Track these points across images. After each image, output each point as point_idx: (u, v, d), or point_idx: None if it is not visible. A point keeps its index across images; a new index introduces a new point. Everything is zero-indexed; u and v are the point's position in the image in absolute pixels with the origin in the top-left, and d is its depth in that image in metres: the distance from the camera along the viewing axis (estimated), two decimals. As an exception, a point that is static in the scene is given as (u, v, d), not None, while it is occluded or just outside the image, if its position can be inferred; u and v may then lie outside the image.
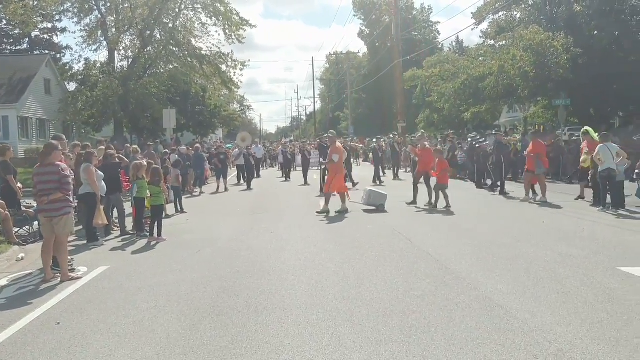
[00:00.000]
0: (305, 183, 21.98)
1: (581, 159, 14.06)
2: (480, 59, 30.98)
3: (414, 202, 14.22)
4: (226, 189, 20.63)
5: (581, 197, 14.08)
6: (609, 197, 12.47)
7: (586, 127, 14.79)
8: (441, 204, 13.33)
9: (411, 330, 4.91)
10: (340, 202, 13.29)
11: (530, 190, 14.67)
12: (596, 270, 6.86)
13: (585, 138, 14.31)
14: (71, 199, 7.78)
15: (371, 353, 4.44)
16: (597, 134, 13.62)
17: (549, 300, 5.68)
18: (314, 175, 23.49)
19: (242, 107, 58.51)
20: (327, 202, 13.30)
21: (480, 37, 36.24)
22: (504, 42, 29.07)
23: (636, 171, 13.56)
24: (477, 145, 20.18)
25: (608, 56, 24.74)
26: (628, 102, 26.32)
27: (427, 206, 13.69)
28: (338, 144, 14.20)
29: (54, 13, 34.10)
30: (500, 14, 32.35)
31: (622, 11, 25.51)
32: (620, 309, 5.33)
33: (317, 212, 13.10)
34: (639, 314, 5.17)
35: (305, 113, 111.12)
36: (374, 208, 13.48)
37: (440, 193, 13.45)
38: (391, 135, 29.33)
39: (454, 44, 59.20)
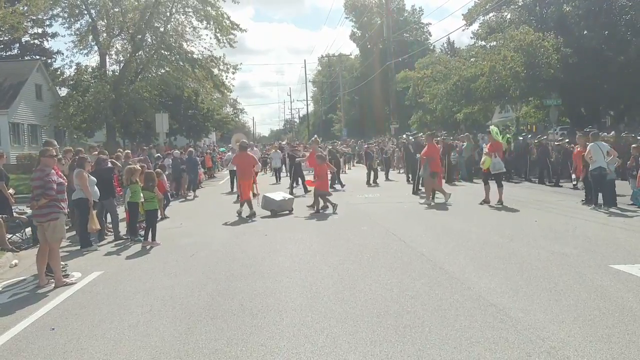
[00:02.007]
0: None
1: (481, 160, 14.45)
2: (472, 59, 31.11)
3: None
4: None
5: (500, 201, 13.58)
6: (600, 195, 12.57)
7: (491, 127, 15.03)
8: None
9: (405, 330, 4.94)
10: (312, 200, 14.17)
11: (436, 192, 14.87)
12: (588, 268, 6.92)
13: (489, 138, 14.66)
14: (60, 205, 7.74)
15: (366, 353, 4.46)
16: (587, 132, 13.85)
17: (541, 298, 5.72)
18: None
19: (235, 111, 58.37)
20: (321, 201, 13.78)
21: (471, 38, 36.43)
22: (494, 42, 29.23)
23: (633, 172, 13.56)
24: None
25: (598, 56, 24.91)
26: (618, 101, 26.52)
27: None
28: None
29: (44, 18, 33.95)
30: (491, 14, 32.53)
31: (611, 11, 25.71)
32: (612, 306, 5.38)
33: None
34: (630, 310, 5.22)
35: (299, 115, 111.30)
36: (373, 208, 13.59)
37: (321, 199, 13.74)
38: (404, 135, 28.12)
39: (445, 45, 59.55)
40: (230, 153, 23.29)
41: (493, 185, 13.93)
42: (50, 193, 7.56)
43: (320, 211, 13.63)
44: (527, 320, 5.04)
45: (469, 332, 4.80)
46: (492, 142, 14.38)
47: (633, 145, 13.83)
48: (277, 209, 13.63)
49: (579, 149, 14.02)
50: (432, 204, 14.18)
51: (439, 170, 15.12)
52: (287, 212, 13.78)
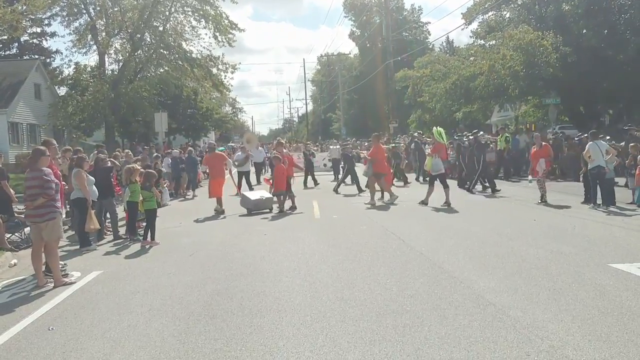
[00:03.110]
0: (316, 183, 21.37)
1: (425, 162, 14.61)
2: (471, 58, 31.10)
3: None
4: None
5: (447, 202, 13.63)
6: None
7: (434, 128, 15.13)
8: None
9: (405, 329, 4.94)
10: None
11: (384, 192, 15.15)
12: (587, 267, 6.93)
13: (432, 139, 14.79)
14: (57, 204, 7.73)
15: (365, 353, 4.47)
16: (587, 133, 13.89)
17: (540, 297, 5.73)
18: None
19: (234, 110, 58.40)
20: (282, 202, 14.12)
21: (470, 37, 36.42)
22: (493, 41, 29.23)
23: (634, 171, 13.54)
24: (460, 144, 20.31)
25: (597, 54, 24.92)
26: (617, 100, 26.54)
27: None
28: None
29: (43, 17, 33.92)
30: (490, 13, 32.53)
31: (610, 10, 25.72)
32: (611, 305, 5.38)
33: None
34: (629, 309, 5.23)
35: (298, 115, 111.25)
36: (368, 207, 13.81)
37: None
38: (415, 134, 27.03)
39: (444, 44, 59.58)
40: (240, 152, 21.84)
41: (463, 186, 14.04)
42: (50, 193, 7.55)
43: (288, 211, 13.86)
44: (526, 319, 5.04)
45: (468, 331, 4.80)
46: (436, 143, 14.68)
47: (631, 144, 13.84)
48: (253, 208, 14.02)
49: (535, 148, 14.16)
50: (375, 204, 14.49)
51: (385, 171, 15.16)
52: (267, 210, 14.04)
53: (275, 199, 14.38)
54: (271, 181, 14.64)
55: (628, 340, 4.45)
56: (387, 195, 15.15)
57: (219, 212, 14.15)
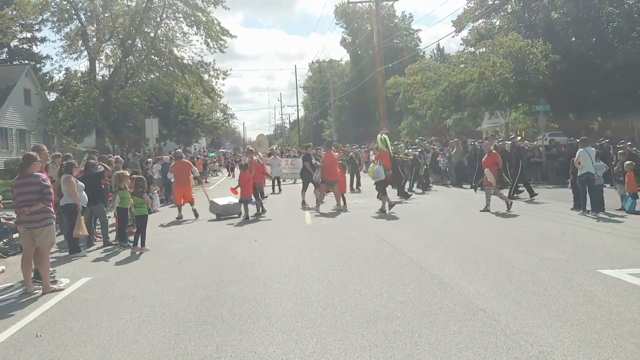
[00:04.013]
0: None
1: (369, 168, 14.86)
2: (461, 66, 31.29)
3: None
4: None
5: (382, 209, 14.03)
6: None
7: (378, 136, 15.27)
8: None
9: (395, 335, 4.94)
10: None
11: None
12: (577, 273, 6.96)
13: (378, 147, 15.06)
14: (52, 210, 7.71)
15: (356, 359, 4.46)
16: (576, 138, 13.97)
17: (530, 303, 5.75)
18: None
19: (225, 116, 58.28)
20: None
21: (461, 44, 36.67)
22: (484, 49, 29.39)
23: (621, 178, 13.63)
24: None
25: (586, 62, 25.12)
26: (606, 107, 26.72)
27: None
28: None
29: (34, 23, 33.80)
30: (480, 21, 32.77)
31: (599, 18, 25.96)
32: (600, 310, 5.41)
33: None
34: (618, 315, 5.26)
35: (289, 121, 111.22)
36: (363, 213, 13.81)
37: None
38: (419, 140, 26.72)
39: (435, 51, 59.77)
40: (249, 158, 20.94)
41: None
42: (50, 198, 7.55)
43: (253, 217, 14.09)
44: (516, 325, 5.06)
45: (458, 337, 4.81)
46: (380, 150, 14.89)
47: (620, 151, 13.96)
48: (222, 213, 14.55)
49: (486, 156, 14.27)
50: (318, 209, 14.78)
51: (335, 178, 15.23)
52: (236, 215, 14.42)
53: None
54: (238, 190, 14.90)
55: (617, 346, 4.48)
56: (342, 202, 15.29)
57: (179, 218, 14.56)
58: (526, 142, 17.99)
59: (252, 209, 14.50)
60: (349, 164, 22.25)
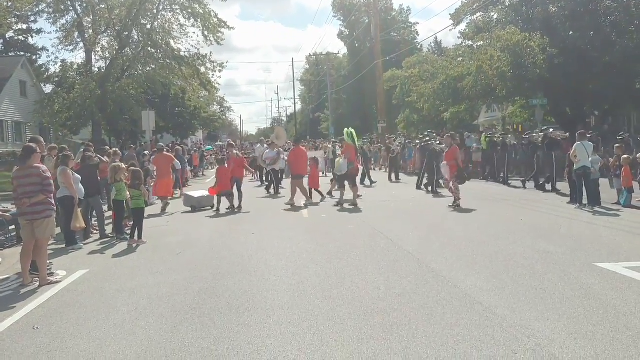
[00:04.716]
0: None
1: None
2: (459, 59, 31.20)
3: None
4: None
5: (353, 203, 14.13)
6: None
7: (345, 129, 15.39)
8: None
9: (392, 328, 4.95)
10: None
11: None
12: (573, 266, 6.98)
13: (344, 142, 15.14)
14: (53, 202, 7.70)
15: (353, 351, 4.47)
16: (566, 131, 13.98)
17: (527, 296, 5.77)
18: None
19: (222, 109, 57.99)
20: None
21: (459, 37, 36.53)
22: (481, 42, 29.33)
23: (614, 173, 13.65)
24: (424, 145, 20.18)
25: (583, 56, 25.09)
26: (603, 101, 26.73)
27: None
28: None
29: (29, 14, 33.55)
30: (478, 14, 32.63)
31: (596, 12, 25.90)
32: (597, 303, 5.43)
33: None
34: (614, 308, 5.28)
35: (286, 114, 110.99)
36: (352, 207, 13.84)
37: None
38: (426, 133, 25.57)
39: (432, 44, 59.67)
40: (268, 150, 19.52)
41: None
42: (51, 190, 7.55)
43: (234, 209, 14.28)
44: (513, 318, 5.07)
45: (455, 330, 4.82)
46: (345, 144, 15.09)
47: (616, 145, 13.98)
48: (197, 205, 14.93)
49: (447, 150, 14.30)
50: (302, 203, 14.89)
51: (303, 173, 15.49)
52: (209, 207, 14.79)
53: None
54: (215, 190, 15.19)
55: (613, 339, 4.50)
56: (308, 197, 15.46)
57: (164, 210, 14.76)
58: (559, 133, 17.39)
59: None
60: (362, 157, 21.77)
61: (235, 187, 14.72)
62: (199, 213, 14.26)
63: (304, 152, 15.88)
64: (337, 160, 15.27)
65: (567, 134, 18.95)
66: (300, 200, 15.06)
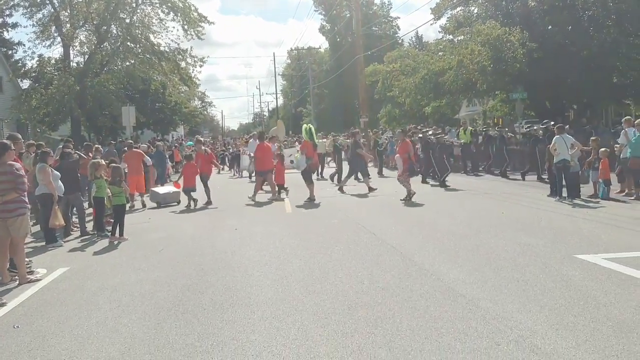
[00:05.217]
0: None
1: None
2: (440, 54, 31.36)
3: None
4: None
5: (310, 198, 14.26)
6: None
7: (304, 125, 15.72)
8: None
9: (377, 321, 4.97)
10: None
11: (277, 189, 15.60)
12: (554, 258, 7.07)
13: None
14: (26, 199, 7.57)
15: (337, 345, 4.48)
16: (554, 125, 14.13)
17: (509, 288, 5.83)
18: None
19: (204, 104, 57.58)
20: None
21: (439, 32, 36.69)
22: (462, 37, 29.51)
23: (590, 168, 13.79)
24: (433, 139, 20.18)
25: (562, 50, 25.36)
26: (581, 95, 27.05)
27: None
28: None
29: (4, 7, 32.91)
30: (458, 9, 32.78)
31: (574, 6, 26.19)
32: (577, 294, 5.51)
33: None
34: (595, 299, 5.35)
35: (268, 109, 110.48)
36: (344, 201, 13.96)
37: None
38: (432, 129, 24.71)
39: (413, 39, 59.87)
40: (294, 155, 18.89)
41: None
42: (24, 188, 7.43)
43: (202, 206, 14.39)
44: (496, 310, 5.12)
45: (439, 323, 4.86)
46: (304, 141, 15.33)
47: (592, 138, 14.16)
48: (162, 201, 15.17)
49: (399, 144, 14.56)
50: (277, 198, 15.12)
51: (268, 168, 15.55)
52: (175, 203, 15.10)
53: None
54: (180, 183, 15.51)
55: (594, 329, 4.56)
56: (277, 192, 15.56)
57: (131, 207, 14.62)
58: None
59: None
60: (335, 154, 21.70)
61: (202, 184, 14.94)
62: (180, 210, 14.15)
63: (269, 147, 15.97)
64: (295, 156, 15.42)
65: (461, 130, 19.32)
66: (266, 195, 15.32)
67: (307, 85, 65.75)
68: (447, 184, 16.67)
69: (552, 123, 17.32)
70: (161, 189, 15.94)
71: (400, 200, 13.42)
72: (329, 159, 25.62)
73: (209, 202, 14.59)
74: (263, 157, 15.47)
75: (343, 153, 21.23)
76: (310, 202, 13.94)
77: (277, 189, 15.50)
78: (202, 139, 19.90)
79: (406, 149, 14.00)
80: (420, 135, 20.07)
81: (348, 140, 21.85)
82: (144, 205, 15.16)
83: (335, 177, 19.13)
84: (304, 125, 15.54)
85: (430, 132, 20.58)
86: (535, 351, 4.18)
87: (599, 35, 24.67)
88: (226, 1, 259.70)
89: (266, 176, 15.49)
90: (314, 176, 16.23)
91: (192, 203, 14.42)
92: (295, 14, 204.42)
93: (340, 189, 16.47)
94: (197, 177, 15.01)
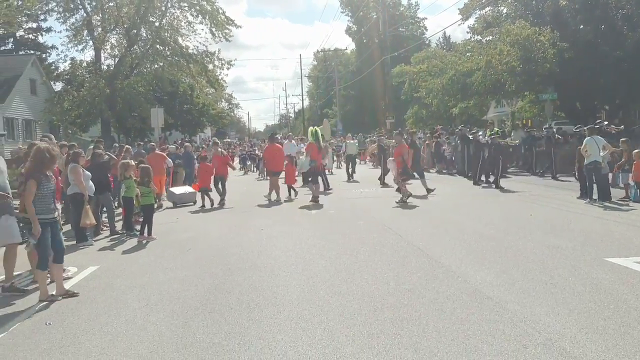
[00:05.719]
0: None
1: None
2: (468, 54, 31.09)
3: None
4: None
5: (314, 198, 14.29)
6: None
7: (310, 128, 15.43)
8: None
9: (402, 323, 4.95)
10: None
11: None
12: (583, 261, 6.95)
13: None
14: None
15: (363, 346, 4.47)
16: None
17: (537, 291, 5.75)
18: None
19: (230, 105, 58.14)
20: None
21: (468, 32, 36.44)
22: (490, 37, 29.23)
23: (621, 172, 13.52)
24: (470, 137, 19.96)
25: (594, 50, 24.91)
26: (614, 96, 26.52)
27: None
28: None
29: (39, 13, 33.76)
30: (487, 9, 32.51)
31: (607, 5, 25.70)
32: (607, 298, 5.40)
33: None
34: (625, 303, 5.25)
35: (294, 110, 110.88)
36: (368, 202, 13.88)
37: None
38: (459, 128, 24.98)
39: (441, 39, 59.52)
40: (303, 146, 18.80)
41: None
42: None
43: (217, 206, 14.51)
44: (523, 313, 5.06)
45: (465, 325, 4.81)
46: (308, 142, 15.27)
47: (622, 140, 13.84)
48: (177, 201, 15.50)
49: (396, 147, 14.45)
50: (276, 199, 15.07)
51: (279, 170, 15.63)
52: (191, 203, 15.35)
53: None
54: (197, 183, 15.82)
55: (624, 333, 4.47)
56: (276, 194, 15.44)
57: (159, 207, 14.67)
58: (612, 126, 16.58)
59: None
60: (380, 155, 21.30)
61: (220, 185, 15.07)
62: (207, 210, 14.30)
63: (280, 148, 16.06)
64: (300, 158, 15.74)
65: (487, 132, 18.93)
66: (272, 195, 15.33)
67: (333, 87, 65.81)
68: (501, 184, 16.19)
69: (606, 123, 16.89)
70: (177, 189, 16.26)
71: (396, 202, 13.39)
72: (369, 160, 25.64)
73: (221, 203, 14.71)
74: (272, 159, 15.64)
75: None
76: (316, 204, 14.02)
77: (275, 190, 15.39)
78: (218, 141, 20.11)
79: (401, 152, 14.04)
80: (471, 136, 19.86)
81: (392, 141, 21.58)
82: (159, 206, 15.26)
83: (382, 178, 18.78)
84: (310, 128, 15.72)
85: (480, 133, 20.35)
86: (563, 355, 4.12)
87: (633, 34, 24.15)
88: (253, 4, 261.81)
89: (274, 177, 15.47)
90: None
91: (207, 203, 14.58)
92: (321, 16, 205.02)
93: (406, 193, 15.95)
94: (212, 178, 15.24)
